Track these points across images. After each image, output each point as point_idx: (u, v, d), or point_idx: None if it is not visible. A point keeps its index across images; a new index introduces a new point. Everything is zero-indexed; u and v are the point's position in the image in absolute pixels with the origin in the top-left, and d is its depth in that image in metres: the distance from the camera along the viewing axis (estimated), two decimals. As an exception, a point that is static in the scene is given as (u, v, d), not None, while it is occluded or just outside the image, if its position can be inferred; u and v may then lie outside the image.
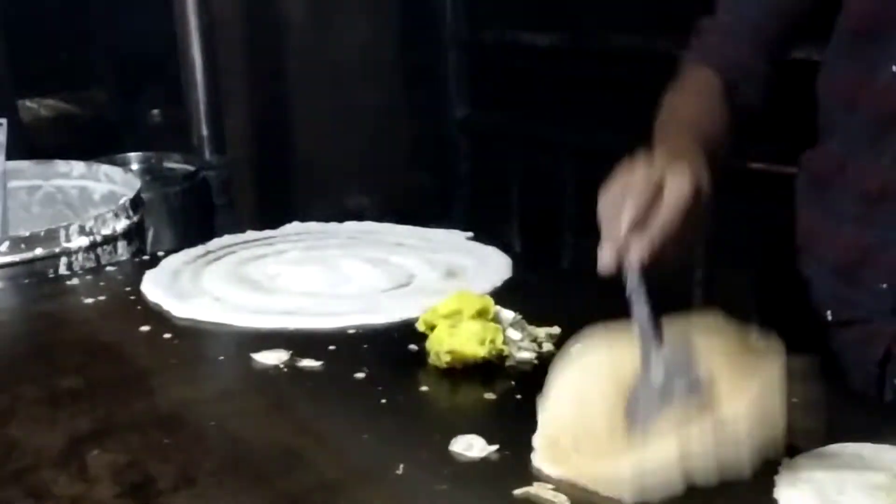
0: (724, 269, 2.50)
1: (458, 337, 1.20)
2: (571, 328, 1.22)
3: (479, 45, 3.37)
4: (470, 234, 1.70)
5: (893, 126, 1.26)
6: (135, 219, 1.82)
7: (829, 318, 1.36)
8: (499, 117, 3.37)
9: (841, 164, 1.33)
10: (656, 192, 1.04)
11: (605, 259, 1.03)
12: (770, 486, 0.95)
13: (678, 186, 1.05)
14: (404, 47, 3.37)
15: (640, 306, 1.01)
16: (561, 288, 1.54)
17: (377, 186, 3.06)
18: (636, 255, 1.02)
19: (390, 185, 3.14)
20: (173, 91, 2.92)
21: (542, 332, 1.28)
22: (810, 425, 0.95)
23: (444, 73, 3.42)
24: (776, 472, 0.96)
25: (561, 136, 3.02)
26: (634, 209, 1.03)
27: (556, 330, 1.29)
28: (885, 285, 1.29)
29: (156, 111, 3.45)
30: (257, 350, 1.27)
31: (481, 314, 1.25)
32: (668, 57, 1.48)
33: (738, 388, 0.94)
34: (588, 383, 1.06)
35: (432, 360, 1.21)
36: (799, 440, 0.98)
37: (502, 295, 1.38)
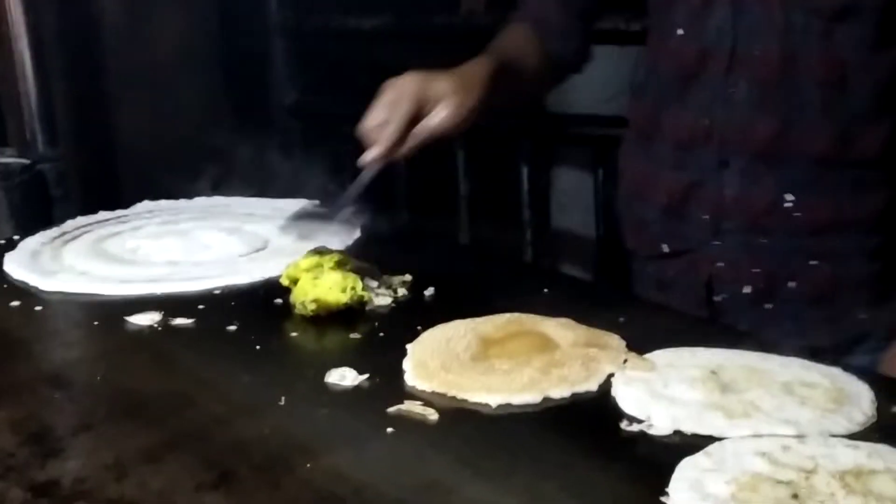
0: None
1: (322, 287, 1.31)
2: (422, 276, 1.37)
3: (305, 31, 3.44)
4: (317, 201, 1.80)
5: (690, 82, 1.45)
6: (-19, 207, 1.85)
7: (665, 250, 1.55)
8: (328, 101, 3.46)
9: (656, 118, 1.52)
10: (418, 110, 1.34)
11: (367, 160, 1.37)
12: (609, 387, 1.10)
13: (441, 116, 1.35)
14: (228, 36, 3.42)
15: (359, 184, 1.38)
16: (406, 244, 1.67)
17: (206, 173, 3.12)
18: (380, 157, 1.36)
19: (219, 171, 3.20)
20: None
21: (396, 279, 1.40)
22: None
23: (271, 60, 3.48)
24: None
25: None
26: (396, 131, 1.34)
27: (408, 277, 1.41)
28: (706, 216, 1.48)
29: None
30: (130, 314, 1.34)
31: (340, 265, 1.36)
32: (491, 36, 1.63)
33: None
34: (452, 329, 1.24)
35: (298, 309, 1.32)
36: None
37: (355, 251, 1.50)
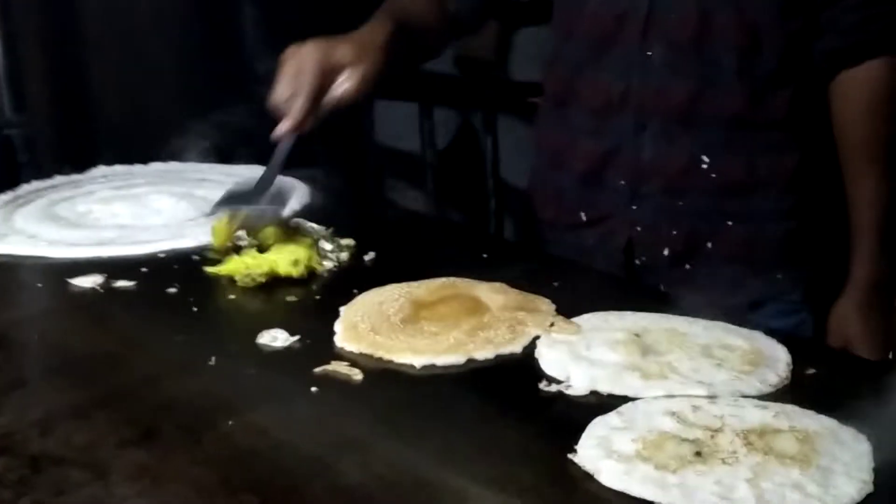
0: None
1: (274, 259, 1.33)
2: (364, 241, 1.39)
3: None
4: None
5: (607, 48, 1.48)
6: (-61, 170, 1.86)
7: (583, 218, 1.57)
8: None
9: (570, 85, 1.54)
10: (322, 81, 1.38)
11: (279, 134, 1.40)
12: (533, 349, 1.12)
13: (345, 87, 1.40)
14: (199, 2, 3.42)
15: (277, 159, 1.42)
16: (353, 209, 1.68)
17: (182, 135, 3.13)
18: (291, 130, 1.40)
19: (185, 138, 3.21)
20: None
21: (343, 242, 1.42)
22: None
23: (241, 26, 3.49)
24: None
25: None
26: (304, 105, 1.38)
27: (351, 242, 1.43)
28: (623, 182, 1.50)
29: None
30: (73, 276, 1.36)
31: (292, 233, 1.38)
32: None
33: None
34: (387, 293, 1.27)
35: (242, 282, 1.32)
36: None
37: (304, 215, 1.52)
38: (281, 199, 1.43)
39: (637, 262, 1.53)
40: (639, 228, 1.51)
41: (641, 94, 1.47)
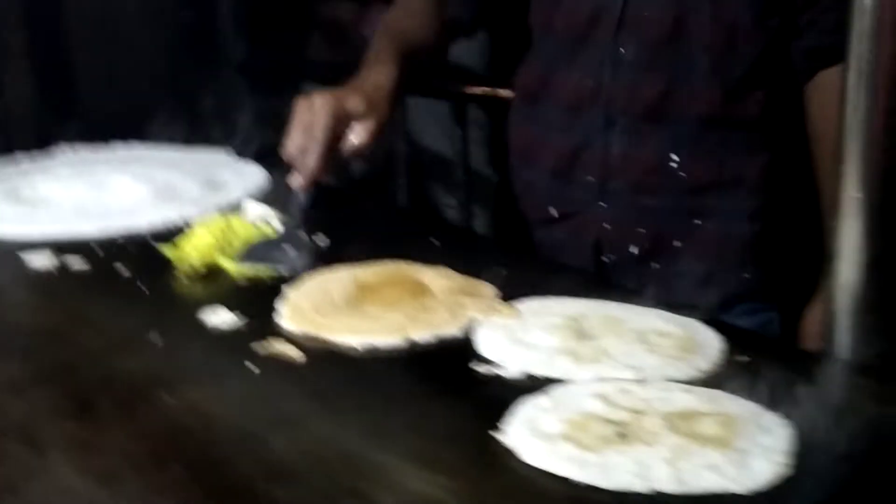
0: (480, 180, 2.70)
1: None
2: (316, 224, 1.41)
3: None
4: (233, 152, 1.83)
5: (581, 45, 1.49)
6: None
7: (553, 214, 1.58)
8: (277, 56, 3.49)
9: (544, 81, 1.55)
10: (334, 133, 1.42)
11: (296, 184, 1.43)
12: (472, 332, 1.14)
13: (358, 140, 1.46)
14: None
15: (296, 211, 1.43)
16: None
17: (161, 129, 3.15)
18: (307, 183, 1.43)
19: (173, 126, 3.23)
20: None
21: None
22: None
23: (221, 22, 3.52)
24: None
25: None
26: (317, 159, 1.41)
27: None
28: (591, 178, 1.51)
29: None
30: (26, 254, 1.37)
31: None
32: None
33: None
34: (334, 275, 1.29)
35: (184, 270, 1.34)
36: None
37: (260, 199, 1.54)
38: (301, 253, 1.37)
39: (605, 259, 1.54)
40: (607, 225, 1.52)
41: (612, 90, 1.47)
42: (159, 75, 3.43)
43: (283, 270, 1.32)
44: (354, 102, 1.45)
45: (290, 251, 1.36)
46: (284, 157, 1.44)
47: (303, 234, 1.40)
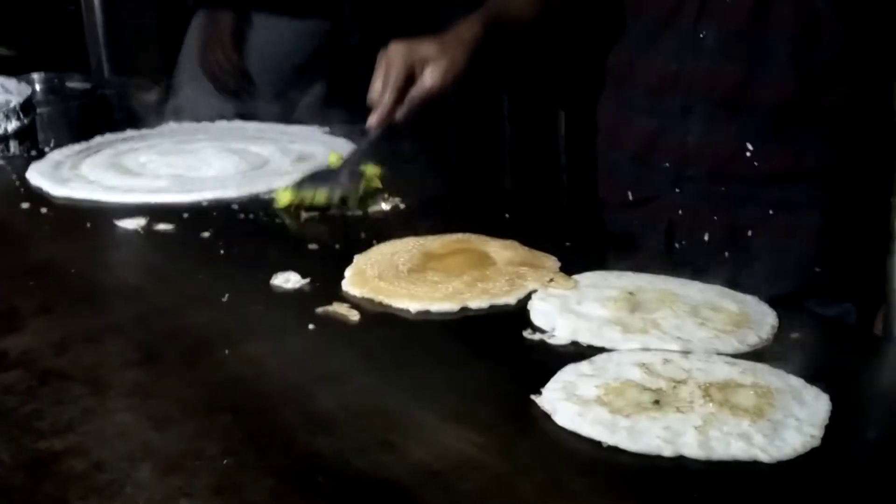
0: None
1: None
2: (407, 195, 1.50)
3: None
4: (326, 128, 1.88)
5: (665, 28, 1.48)
6: (25, 121, 1.97)
7: (630, 198, 1.58)
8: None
9: (630, 62, 1.55)
10: (408, 75, 1.50)
11: (370, 125, 1.52)
12: (528, 301, 1.16)
13: (428, 79, 1.50)
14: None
15: (365, 144, 1.55)
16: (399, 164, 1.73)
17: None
18: (380, 121, 1.51)
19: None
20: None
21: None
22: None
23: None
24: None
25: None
26: (391, 96, 1.50)
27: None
28: (667, 164, 1.51)
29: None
30: (120, 219, 1.45)
31: None
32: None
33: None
34: (402, 244, 1.33)
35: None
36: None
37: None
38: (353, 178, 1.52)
39: (677, 245, 1.54)
40: (680, 212, 1.52)
41: (691, 76, 1.47)
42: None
43: (333, 194, 1.46)
44: (427, 47, 1.52)
45: (343, 178, 1.49)
46: (368, 104, 1.52)
47: (357, 165, 1.53)
